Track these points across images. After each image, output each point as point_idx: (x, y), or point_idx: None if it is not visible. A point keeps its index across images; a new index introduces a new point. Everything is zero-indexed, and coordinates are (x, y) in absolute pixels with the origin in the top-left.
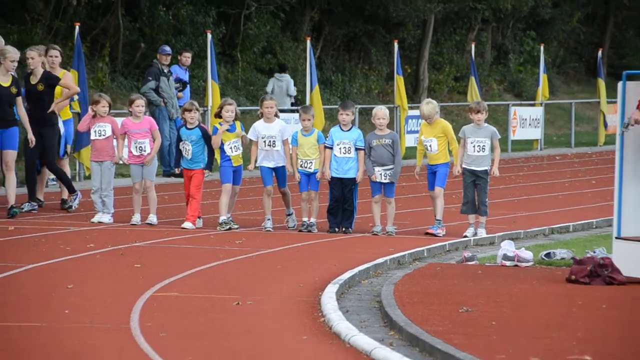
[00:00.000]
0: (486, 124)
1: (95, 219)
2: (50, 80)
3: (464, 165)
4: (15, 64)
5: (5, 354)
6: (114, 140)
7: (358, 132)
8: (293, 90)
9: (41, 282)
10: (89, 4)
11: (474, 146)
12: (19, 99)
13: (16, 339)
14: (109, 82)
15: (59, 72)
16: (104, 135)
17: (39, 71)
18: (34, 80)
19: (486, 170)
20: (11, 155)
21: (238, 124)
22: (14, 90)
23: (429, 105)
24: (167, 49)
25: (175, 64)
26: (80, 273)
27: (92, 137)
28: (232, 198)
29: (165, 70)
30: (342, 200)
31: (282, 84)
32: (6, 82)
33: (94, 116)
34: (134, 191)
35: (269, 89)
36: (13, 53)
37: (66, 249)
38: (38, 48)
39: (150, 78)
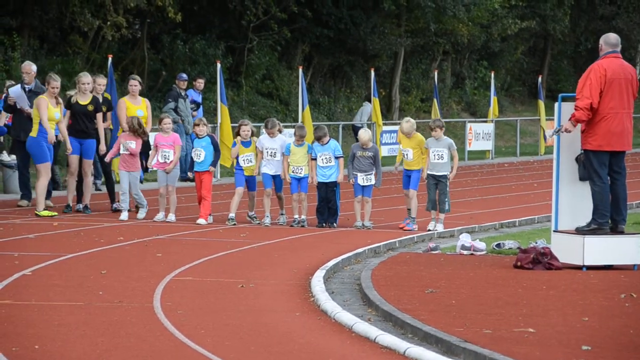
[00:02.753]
0: (445, 137)
1: (122, 216)
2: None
3: (427, 172)
4: (87, 86)
5: (54, 327)
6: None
7: (335, 144)
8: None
9: (80, 268)
10: (120, 39)
11: (434, 155)
12: (99, 115)
13: (64, 315)
14: None
15: (141, 100)
16: (129, 151)
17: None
18: (84, 101)
19: (445, 175)
20: (89, 163)
21: (254, 140)
22: (91, 108)
23: (408, 124)
24: (184, 76)
25: (191, 88)
26: (112, 261)
27: (122, 151)
28: (252, 200)
29: (183, 94)
30: (326, 200)
31: (365, 108)
32: (85, 101)
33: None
34: (159, 194)
35: (358, 116)
36: (84, 77)
37: (100, 241)
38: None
39: (170, 100)
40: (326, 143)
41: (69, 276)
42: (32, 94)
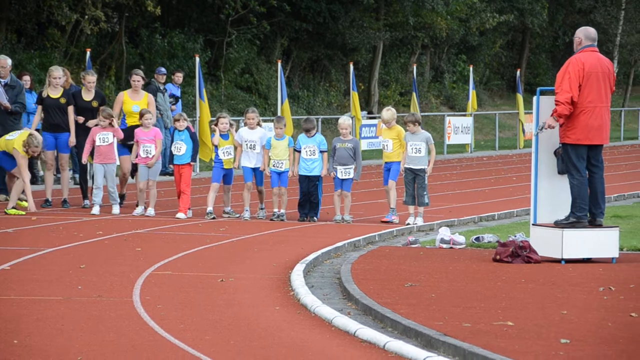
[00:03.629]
0: (423, 130)
1: (93, 211)
2: (104, 99)
3: (405, 165)
4: (59, 80)
5: (33, 322)
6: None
7: (321, 137)
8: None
9: (59, 263)
10: (98, 33)
11: (412, 148)
12: (70, 108)
13: (42, 310)
14: (114, 97)
15: (143, 95)
16: (107, 142)
17: (93, 91)
18: (88, 97)
19: (423, 168)
20: (65, 157)
21: (232, 133)
22: (63, 100)
23: (389, 112)
24: (163, 70)
25: (170, 82)
26: (90, 255)
27: (97, 143)
28: (227, 194)
29: (162, 88)
30: (308, 194)
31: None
32: (56, 95)
33: (96, 125)
34: (138, 188)
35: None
36: (55, 71)
37: (79, 236)
38: (93, 73)
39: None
40: (313, 136)
41: (48, 270)
42: (8, 88)
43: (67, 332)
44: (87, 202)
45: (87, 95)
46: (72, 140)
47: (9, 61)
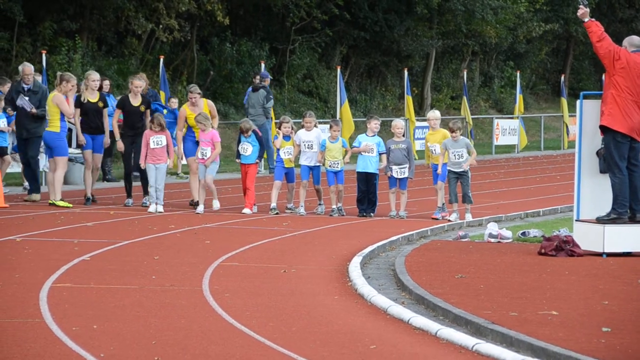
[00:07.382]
0: (461, 137)
1: (150, 209)
2: (149, 103)
3: (449, 168)
4: (96, 83)
5: (111, 309)
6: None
7: (379, 139)
8: None
9: (135, 254)
10: (172, 41)
11: (454, 155)
12: (105, 111)
13: (120, 297)
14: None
15: (202, 104)
16: (160, 145)
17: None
18: (136, 102)
19: (466, 170)
20: (99, 157)
21: (292, 135)
22: (100, 104)
23: (434, 113)
24: (266, 73)
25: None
26: (164, 247)
27: (152, 146)
28: (290, 192)
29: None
30: (366, 191)
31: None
32: (94, 99)
33: (150, 128)
34: (199, 185)
35: None
36: (92, 75)
37: (153, 229)
38: (143, 77)
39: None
40: (373, 136)
41: (125, 261)
42: (31, 93)
43: (142, 319)
44: (129, 200)
45: (135, 100)
46: (107, 141)
47: (32, 68)
